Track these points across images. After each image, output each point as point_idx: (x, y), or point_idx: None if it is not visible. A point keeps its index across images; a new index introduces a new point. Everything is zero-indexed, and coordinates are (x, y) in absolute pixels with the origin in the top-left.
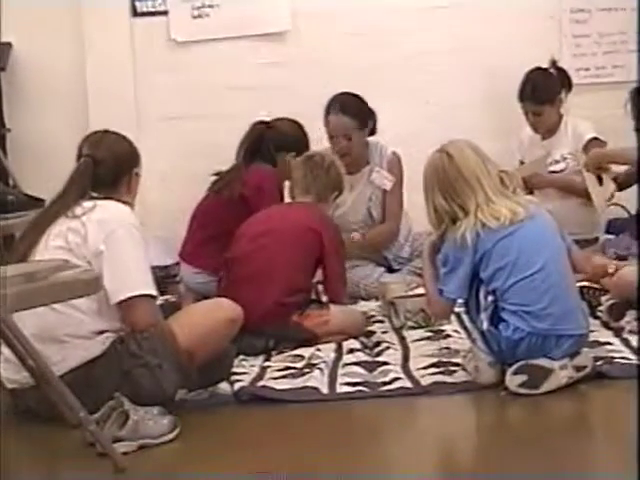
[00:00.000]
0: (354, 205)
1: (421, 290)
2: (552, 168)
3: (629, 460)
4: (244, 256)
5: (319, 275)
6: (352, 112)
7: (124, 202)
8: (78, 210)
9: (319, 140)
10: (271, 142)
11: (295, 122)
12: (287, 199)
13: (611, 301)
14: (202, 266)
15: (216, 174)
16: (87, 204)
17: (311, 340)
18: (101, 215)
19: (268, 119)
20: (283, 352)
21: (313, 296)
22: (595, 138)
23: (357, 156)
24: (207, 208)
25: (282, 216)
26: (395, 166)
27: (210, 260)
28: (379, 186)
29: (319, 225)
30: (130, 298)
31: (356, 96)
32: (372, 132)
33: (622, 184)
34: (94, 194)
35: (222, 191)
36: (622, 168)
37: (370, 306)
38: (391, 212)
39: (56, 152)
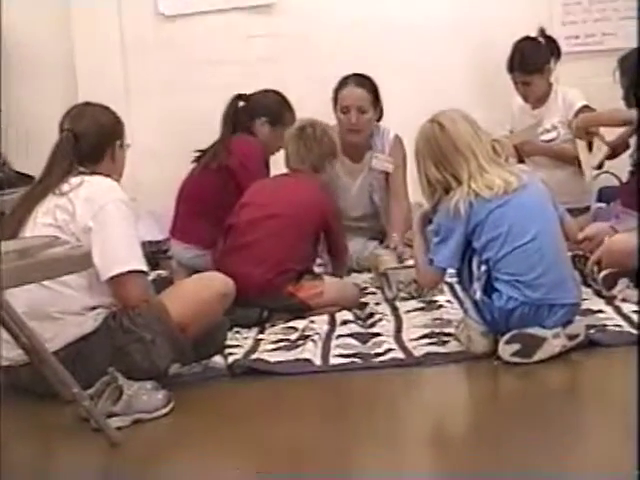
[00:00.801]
0: (358, 194)
1: (413, 261)
2: (543, 137)
3: (629, 428)
4: (244, 225)
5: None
6: (366, 86)
7: (110, 175)
8: (65, 187)
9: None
10: (246, 112)
11: (272, 91)
12: (282, 170)
13: (604, 270)
14: (192, 241)
15: (199, 151)
16: (74, 180)
17: (305, 311)
18: (89, 191)
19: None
20: (276, 324)
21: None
22: (586, 106)
23: (365, 137)
24: (193, 183)
25: (285, 188)
26: (398, 148)
27: (199, 235)
28: (381, 171)
29: (319, 199)
30: (120, 274)
31: (365, 75)
32: (379, 117)
33: (617, 148)
34: (81, 169)
35: (209, 164)
36: (616, 132)
37: (363, 278)
38: (399, 193)
39: (45, 129)
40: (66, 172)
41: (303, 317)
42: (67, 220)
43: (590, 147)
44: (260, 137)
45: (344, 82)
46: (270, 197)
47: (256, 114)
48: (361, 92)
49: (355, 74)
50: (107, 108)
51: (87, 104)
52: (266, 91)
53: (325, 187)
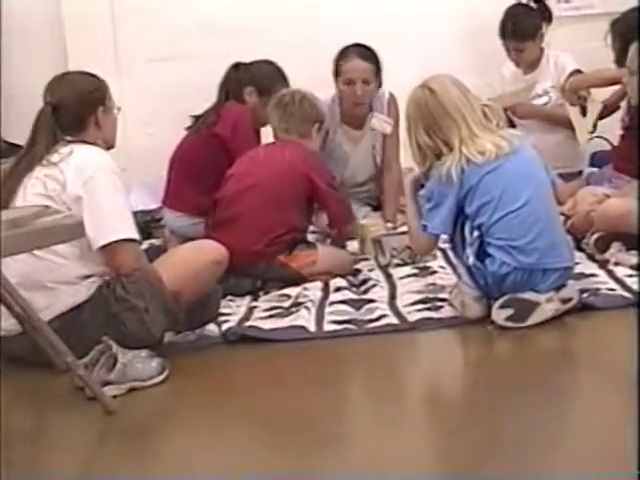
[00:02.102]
0: (362, 158)
1: (406, 228)
2: (535, 102)
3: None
4: (229, 197)
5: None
6: (370, 58)
7: (98, 143)
8: (55, 157)
9: (301, 81)
10: (238, 80)
11: (267, 61)
12: (270, 140)
13: (596, 234)
14: (183, 209)
15: (193, 117)
16: (64, 150)
17: (298, 281)
18: (79, 161)
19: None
20: (270, 292)
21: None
22: (577, 70)
23: (367, 106)
24: (184, 151)
25: (268, 157)
26: (393, 108)
27: (191, 203)
28: (380, 130)
29: (306, 165)
30: (112, 243)
31: (366, 46)
32: (380, 84)
33: (608, 107)
34: (68, 137)
35: (199, 131)
36: (607, 93)
37: (356, 245)
38: (392, 156)
39: (36, 98)
40: (51, 142)
41: (297, 285)
42: (58, 190)
43: (584, 112)
44: (250, 106)
45: (346, 54)
46: (251, 168)
47: (245, 83)
48: (365, 65)
49: (356, 45)
50: (87, 74)
51: (66, 73)
52: (261, 61)
53: (316, 154)
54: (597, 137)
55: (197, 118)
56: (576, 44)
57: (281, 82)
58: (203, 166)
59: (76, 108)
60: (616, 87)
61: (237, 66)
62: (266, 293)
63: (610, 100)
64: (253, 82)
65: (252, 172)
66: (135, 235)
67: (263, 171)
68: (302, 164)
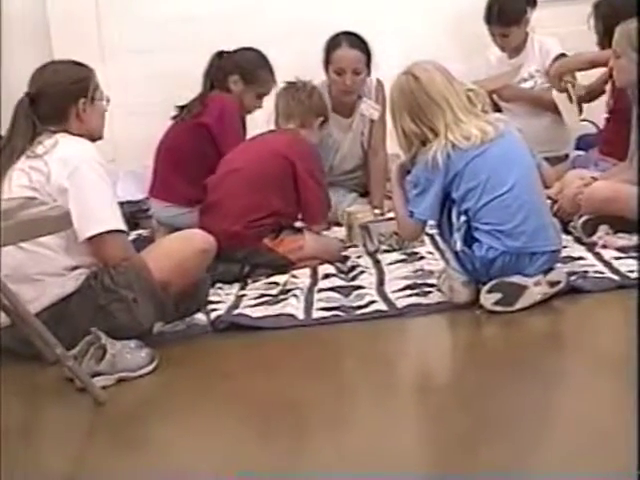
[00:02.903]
0: (351, 146)
1: (393, 214)
2: (521, 86)
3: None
4: (214, 182)
5: None
6: (360, 47)
7: (82, 135)
8: (40, 149)
9: (285, 68)
10: (223, 68)
11: (252, 49)
12: (271, 127)
13: (584, 217)
14: (170, 199)
15: (178, 107)
16: (48, 142)
17: (286, 266)
18: (63, 153)
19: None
20: (258, 280)
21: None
22: (562, 54)
23: (356, 95)
24: (171, 141)
25: (257, 143)
26: (380, 94)
27: (178, 192)
28: (367, 116)
29: (291, 150)
30: (98, 234)
31: (357, 34)
32: (369, 72)
33: (593, 92)
34: (51, 128)
35: (185, 120)
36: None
37: (344, 232)
38: (379, 143)
39: (19, 90)
40: (30, 133)
41: (285, 272)
42: (42, 182)
43: (570, 99)
44: (235, 94)
45: (336, 42)
46: (238, 153)
47: (229, 72)
48: (355, 54)
49: (346, 33)
50: (74, 64)
51: (52, 63)
52: (245, 49)
53: (308, 144)
54: (583, 120)
55: (182, 108)
56: (559, 28)
57: (266, 69)
58: (189, 156)
59: (55, 99)
60: (601, 70)
61: (220, 55)
62: (254, 281)
63: (595, 84)
64: (238, 70)
65: (238, 157)
66: (122, 226)
67: (247, 156)
68: (286, 148)
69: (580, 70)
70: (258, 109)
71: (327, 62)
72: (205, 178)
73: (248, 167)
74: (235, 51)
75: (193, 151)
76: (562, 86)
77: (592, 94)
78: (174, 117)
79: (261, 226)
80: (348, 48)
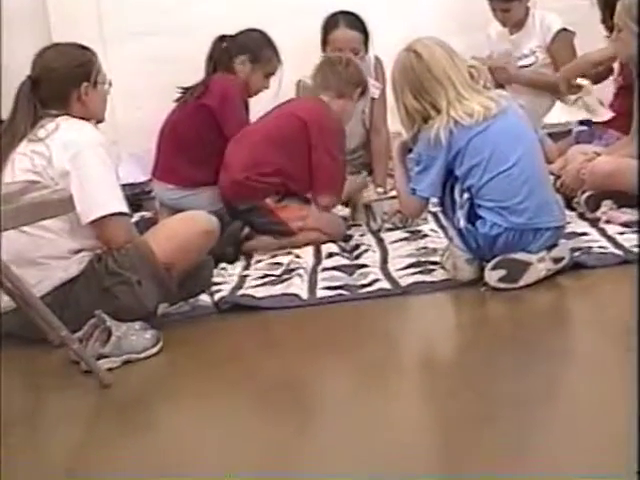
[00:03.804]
0: (353, 125)
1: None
2: (521, 62)
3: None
4: (233, 140)
5: None
6: (358, 27)
7: (86, 118)
8: (41, 132)
9: (287, 49)
10: (227, 51)
11: (255, 30)
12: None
13: (587, 193)
14: (173, 181)
15: (181, 89)
16: (50, 125)
17: (286, 235)
18: (65, 136)
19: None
20: (261, 260)
21: None
22: (564, 29)
23: None
24: (174, 123)
25: (282, 106)
26: (379, 71)
27: (180, 175)
28: (368, 95)
29: (309, 115)
30: (101, 217)
31: (354, 14)
32: (367, 50)
33: (602, 73)
34: (53, 111)
35: (187, 102)
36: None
37: (347, 211)
38: (380, 120)
39: (19, 73)
40: (31, 117)
41: (287, 250)
42: (44, 165)
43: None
44: (241, 76)
45: (334, 22)
46: (263, 116)
47: (236, 53)
48: (354, 34)
49: (343, 12)
50: (77, 47)
51: (53, 45)
52: (249, 30)
53: (334, 118)
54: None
55: (185, 90)
56: (562, 2)
57: (271, 49)
58: (192, 138)
59: (57, 83)
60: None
61: (222, 38)
62: (258, 261)
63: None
64: (245, 51)
65: (260, 119)
66: (124, 208)
67: (268, 116)
68: (304, 112)
69: (588, 71)
70: (265, 89)
71: (325, 42)
72: (208, 160)
73: (263, 125)
74: (237, 34)
75: (196, 133)
76: (571, 90)
77: (599, 75)
78: (177, 99)
79: (266, 183)
80: (346, 28)
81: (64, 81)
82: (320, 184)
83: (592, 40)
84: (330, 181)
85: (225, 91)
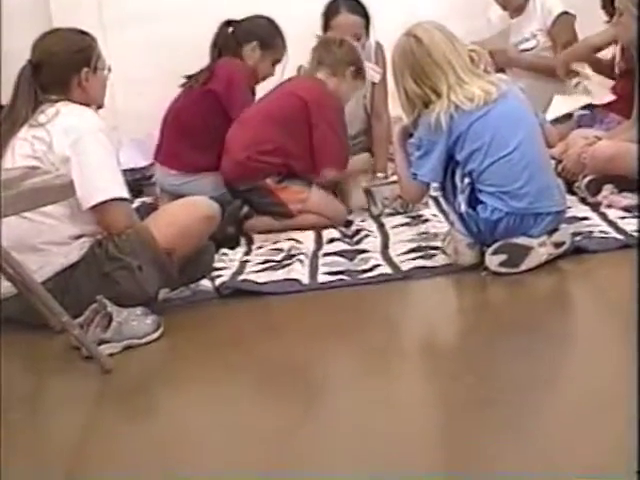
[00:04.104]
0: (354, 110)
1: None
2: (522, 46)
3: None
4: (236, 121)
5: None
6: (359, 11)
7: (86, 104)
8: (42, 118)
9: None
10: (234, 37)
11: (263, 17)
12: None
13: (588, 177)
14: (175, 166)
15: (186, 77)
16: (50, 111)
17: (285, 215)
18: (65, 121)
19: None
20: (262, 246)
21: None
22: (565, 12)
23: None
24: (179, 107)
25: (281, 86)
26: (380, 56)
27: (184, 160)
28: (369, 79)
29: (308, 94)
30: (102, 203)
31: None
32: (368, 35)
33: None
34: (53, 97)
35: (193, 88)
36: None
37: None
38: (381, 105)
39: (20, 58)
40: (32, 102)
41: (287, 235)
42: (45, 151)
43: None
44: (250, 63)
45: (335, 8)
46: (260, 99)
47: (246, 39)
48: (355, 19)
49: None
50: (77, 32)
51: (54, 31)
52: (256, 17)
53: (333, 96)
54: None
55: (190, 77)
56: None
57: (280, 36)
58: (197, 123)
59: (57, 68)
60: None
61: (228, 24)
62: (259, 247)
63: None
64: (254, 37)
65: (259, 101)
66: (125, 194)
67: (268, 96)
68: (304, 91)
69: (588, 56)
70: (271, 76)
71: (326, 28)
72: (212, 146)
73: (264, 105)
74: (244, 20)
75: (201, 119)
76: (569, 76)
77: (602, 71)
78: (182, 85)
79: (266, 162)
80: (348, 13)
81: (64, 66)
82: (325, 158)
83: (593, 25)
84: (335, 155)
85: (231, 76)
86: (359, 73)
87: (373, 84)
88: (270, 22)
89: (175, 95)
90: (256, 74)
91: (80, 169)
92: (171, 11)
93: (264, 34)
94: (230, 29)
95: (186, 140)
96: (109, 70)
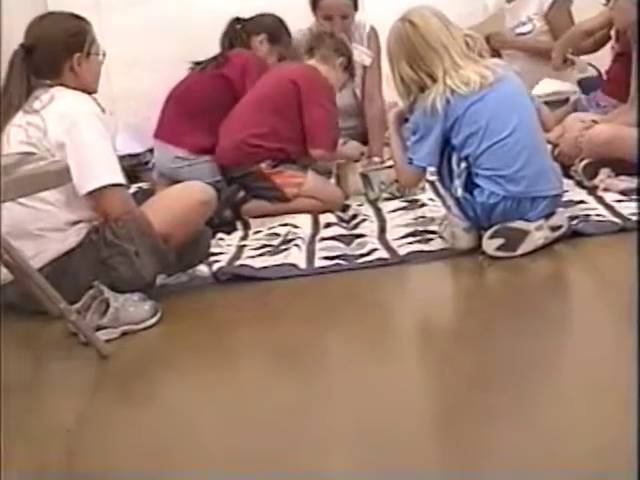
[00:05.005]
0: (342, 92)
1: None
2: (519, 30)
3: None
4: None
5: None
6: None
7: (76, 88)
8: (37, 104)
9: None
10: (244, 30)
11: (271, 14)
12: None
13: (585, 161)
14: (176, 143)
15: (194, 63)
16: (45, 97)
17: (281, 200)
18: (60, 107)
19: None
20: (259, 231)
21: None
22: None
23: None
24: (187, 88)
25: (273, 71)
26: (373, 41)
27: (185, 138)
28: (359, 62)
29: (300, 77)
30: (98, 189)
31: None
32: (356, 8)
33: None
34: (47, 82)
35: (205, 69)
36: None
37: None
38: (373, 89)
39: (16, 43)
40: (25, 87)
41: (284, 221)
42: (40, 137)
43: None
44: (259, 55)
45: None
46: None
47: (255, 31)
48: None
49: None
50: (70, 16)
51: (48, 14)
52: (264, 14)
53: (324, 79)
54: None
55: (199, 63)
56: None
57: (287, 32)
58: (204, 104)
59: (49, 52)
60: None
61: (238, 20)
62: (256, 232)
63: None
64: (264, 30)
65: (252, 88)
66: (121, 179)
67: (259, 84)
68: (295, 75)
69: (582, 41)
70: None
71: (314, 7)
72: (215, 129)
73: (256, 90)
74: (252, 17)
75: (210, 100)
76: (564, 65)
77: (592, 38)
78: (191, 69)
79: (261, 147)
80: None
81: (56, 51)
82: (313, 136)
83: (589, 8)
84: (325, 131)
85: (246, 65)
86: (348, 67)
87: (364, 68)
88: (277, 19)
89: (177, 78)
90: (266, 66)
91: (76, 155)
92: None
93: (272, 28)
94: (239, 25)
95: (191, 120)
96: (104, 55)
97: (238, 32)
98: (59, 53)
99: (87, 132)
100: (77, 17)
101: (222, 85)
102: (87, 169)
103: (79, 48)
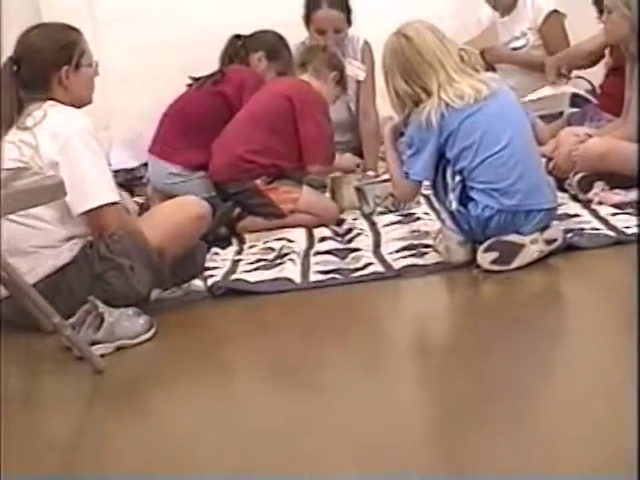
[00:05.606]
0: (336, 106)
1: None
2: (513, 45)
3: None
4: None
5: None
6: (339, 6)
7: (66, 103)
8: (29, 121)
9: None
10: (243, 47)
11: (271, 31)
12: None
13: (579, 174)
14: (173, 160)
15: (192, 79)
16: (37, 113)
17: (277, 216)
18: (53, 125)
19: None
20: (254, 246)
21: None
22: (555, 11)
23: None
24: (184, 103)
25: (267, 86)
26: (367, 56)
27: (180, 154)
28: (353, 77)
29: (293, 93)
30: (93, 209)
31: None
32: (350, 24)
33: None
34: (37, 95)
35: (202, 85)
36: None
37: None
38: (368, 104)
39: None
40: (15, 101)
41: (279, 235)
42: (32, 155)
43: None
44: (257, 71)
45: (316, 2)
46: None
47: (253, 48)
48: (336, 14)
49: None
50: (62, 27)
51: (37, 26)
52: (265, 30)
53: (318, 94)
54: (578, 77)
55: (197, 79)
56: None
57: (287, 50)
58: (201, 120)
59: (36, 66)
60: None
61: (239, 37)
62: (250, 247)
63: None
64: (263, 47)
65: (247, 104)
66: (116, 197)
67: (253, 100)
68: (289, 90)
69: (581, 61)
70: None
71: (307, 20)
72: (209, 145)
73: (250, 106)
74: (252, 34)
75: (206, 116)
76: (558, 79)
77: (593, 57)
78: (189, 85)
79: (256, 163)
80: (328, 8)
81: (43, 64)
82: (309, 152)
83: (583, 22)
84: (320, 147)
85: (244, 81)
86: (341, 80)
87: (358, 82)
88: (277, 36)
89: (173, 93)
90: (264, 83)
91: (69, 175)
92: (165, 9)
93: (271, 45)
94: (239, 42)
95: (186, 136)
96: (96, 66)
97: (238, 49)
98: (46, 66)
99: (80, 151)
100: (68, 28)
101: (219, 102)
102: (81, 189)
103: (67, 61)
